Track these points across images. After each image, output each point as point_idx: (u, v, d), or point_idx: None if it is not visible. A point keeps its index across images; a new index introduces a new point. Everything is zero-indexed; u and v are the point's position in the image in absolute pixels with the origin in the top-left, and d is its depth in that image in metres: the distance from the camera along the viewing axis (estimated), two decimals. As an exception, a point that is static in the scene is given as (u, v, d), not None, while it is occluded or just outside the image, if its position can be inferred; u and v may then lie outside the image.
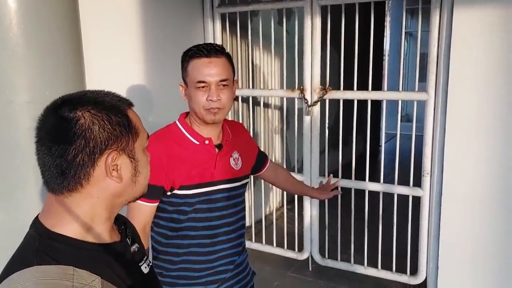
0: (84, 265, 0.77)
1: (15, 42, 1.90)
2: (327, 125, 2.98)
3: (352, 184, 2.99)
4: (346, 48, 2.82)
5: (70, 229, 0.80)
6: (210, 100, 1.41)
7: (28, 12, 1.94)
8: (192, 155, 1.47)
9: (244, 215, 1.64)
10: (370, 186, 2.94)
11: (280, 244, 3.38)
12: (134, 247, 0.93)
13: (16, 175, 1.91)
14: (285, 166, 3.37)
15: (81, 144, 0.76)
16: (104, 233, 0.84)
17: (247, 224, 3.70)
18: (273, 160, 3.81)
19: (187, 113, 1.58)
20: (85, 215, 0.81)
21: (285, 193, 3.39)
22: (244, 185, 1.62)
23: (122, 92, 2.65)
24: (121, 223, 0.94)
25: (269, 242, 3.42)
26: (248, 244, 3.49)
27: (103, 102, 0.80)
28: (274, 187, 4.04)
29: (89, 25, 2.34)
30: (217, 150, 1.50)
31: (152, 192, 1.37)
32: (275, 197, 4.12)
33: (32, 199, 1.92)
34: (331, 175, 1.99)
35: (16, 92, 1.92)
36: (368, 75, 2.78)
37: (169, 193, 1.45)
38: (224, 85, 1.43)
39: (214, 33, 3.23)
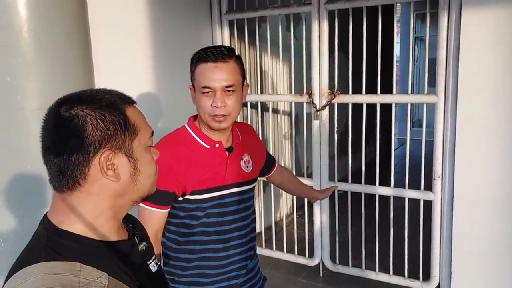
0: (91, 261, 0.77)
1: (26, 49, 1.93)
2: (336, 129, 2.97)
3: (362, 188, 2.96)
4: (354, 52, 2.82)
5: (76, 226, 0.81)
6: (215, 106, 1.39)
7: (39, 20, 1.97)
8: (202, 159, 1.45)
9: (255, 219, 1.62)
10: (380, 190, 2.91)
11: (290, 250, 3.36)
12: (142, 246, 0.93)
13: (27, 181, 1.93)
14: (294, 172, 3.36)
15: (75, 144, 0.77)
16: (110, 231, 0.85)
17: (257, 230, 3.70)
18: (284, 165, 3.83)
19: (195, 116, 1.56)
20: (89, 213, 0.82)
21: (295, 198, 3.38)
22: (253, 188, 1.61)
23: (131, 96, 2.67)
24: (130, 222, 0.94)
25: (279, 248, 3.40)
26: (259, 250, 3.47)
27: (100, 100, 0.80)
28: (284, 193, 4.04)
29: (98, 32, 2.37)
30: (227, 153, 1.49)
31: (163, 198, 1.38)
32: (285, 203, 4.10)
33: (43, 204, 1.94)
34: (337, 186, 2.14)
35: (27, 98, 1.95)
36: (379, 80, 2.77)
37: (180, 199, 1.44)
38: (230, 91, 1.40)
39: (222, 39, 3.25)
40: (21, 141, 1.93)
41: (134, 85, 2.67)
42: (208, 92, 1.41)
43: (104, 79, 2.43)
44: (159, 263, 0.97)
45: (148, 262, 0.93)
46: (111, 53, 2.50)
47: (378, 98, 2.78)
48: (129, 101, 0.86)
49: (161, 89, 2.85)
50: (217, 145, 1.47)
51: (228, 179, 1.47)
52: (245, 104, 3.42)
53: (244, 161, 1.54)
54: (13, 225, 1.94)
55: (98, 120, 0.78)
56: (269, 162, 1.78)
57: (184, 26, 3.02)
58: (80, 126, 0.77)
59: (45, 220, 0.83)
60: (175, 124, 2.94)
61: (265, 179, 1.87)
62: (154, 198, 1.08)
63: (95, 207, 0.82)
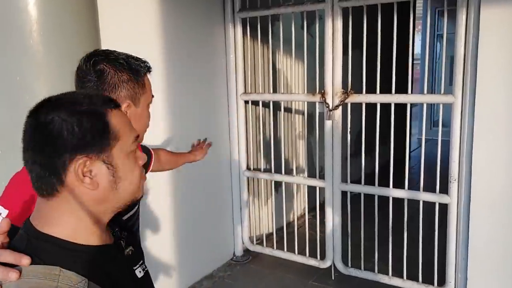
0: (71, 266, 0.76)
1: (35, 49, 1.94)
2: (349, 130, 2.91)
3: (376, 190, 2.90)
4: (369, 51, 2.75)
5: (57, 230, 0.79)
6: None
7: (48, 20, 1.97)
8: None
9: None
10: (394, 192, 2.84)
11: (302, 252, 3.31)
12: (128, 250, 0.91)
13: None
14: (307, 173, 3.31)
15: (51, 150, 0.75)
16: (93, 235, 0.83)
17: (269, 230, 3.68)
18: (296, 166, 3.78)
19: None
20: (69, 218, 0.80)
21: (307, 199, 3.33)
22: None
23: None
24: (116, 226, 0.92)
25: (290, 249, 3.36)
26: (270, 251, 3.45)
27: (80, 105, 0.77)
28: (296, 194, 3.99)
29: (108, 31, 2.36)
30: None
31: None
32: (297, 204, 4.06)
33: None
34: (200, 140, 1.99)
35: (36, 98, 1.95)
36: (398, 78, 2.69)
37: None
38: None
39: (235, 38, 3.22)
40: None
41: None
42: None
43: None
44: (146, 269, 0.95)
45: (134, 268, 0.92)
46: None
47: (393, 98, 2.71)
48: (113, 105, 0.82)
49: (173, 89, 2.83)
50: None
51: None
52: (256, 103, 3.38)
53: None
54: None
55: (75, 126, 0.75)
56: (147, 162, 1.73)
57: (196, 25, 3.00)
58: (56, 132, 0.74)
59: (27, 224, 0.81)
60: (189, 125, 2.95)
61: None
62: None
63: (75, 213, 0.80)
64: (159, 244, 2.82)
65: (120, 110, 0.84)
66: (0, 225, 0.79)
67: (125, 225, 1.01)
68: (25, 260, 0.73)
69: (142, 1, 2.62)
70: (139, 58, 1.27)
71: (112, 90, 1.18)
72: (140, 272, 0.92)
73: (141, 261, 0.95)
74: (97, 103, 0.80)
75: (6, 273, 0.72)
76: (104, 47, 2.32)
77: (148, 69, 1.27)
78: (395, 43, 2.67)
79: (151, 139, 2.74)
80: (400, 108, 2.85)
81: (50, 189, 0.78)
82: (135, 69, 1.22)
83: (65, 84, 2.03)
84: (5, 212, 1.10)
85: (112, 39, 2.40)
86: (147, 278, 0.95)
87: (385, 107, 2.78)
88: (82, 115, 0.76)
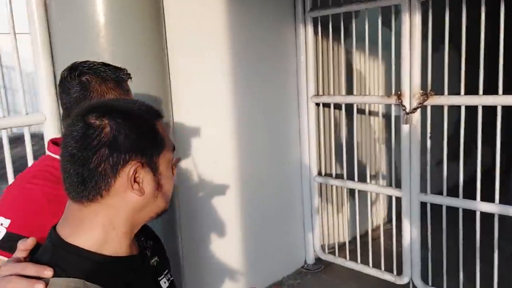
0: (96, 278, 0.75)
1: (101, 54, 1.98)
2: (428, 135, 2.64)
3: (460, 203, 2.60)
4: (453, 48, 2.47)
5: (85, 240, 0.77)
6: None
7: (114, 26, 2.01)
8: None
9: None
10: (481, 206, 2.52)
11: (377, 265, 3.09)
12: (154, 261, 0.90)
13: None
14: (383, 180, 3.08)
15: (104, 154, 0.74)
16: (121, 246, 0.81)
17: (342, 239, 3.49)
18: (371, 173, 3.52)
19: (55, 141, 1.30)
20: (103, 226, 0.78)
21: (384, 209, 3.10)
22: None
23: (209, 104, 2.67)
24: (142, 235, 0.90)
25: (364, 261, 3.15)
26: (342, 262, 3.27)
27: (131, 112, 0.79)
28: (372, 202, 3.75)
29: (175, 35, 2.37)
30: None
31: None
32: (373, 213, 3.81)
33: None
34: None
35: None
36: (481, 78, 2.39)
37: None
38: None
39: (306, 38, 3.09)
40: None
41: (213, 89, 2.65)
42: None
43: (182, 84, 2.44)
44: (171, 278, 0.94)
45: (159, 278, 0.90)
46: (189, 57, 2.49)
47: (480, 100, 2.40)
48: (158, 115, 0.84)
49: (241, 91, 2.78)
50: None
51: None
52: (328, 105, 3.22)
53: None
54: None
55: (131, 132, 0.76)
56: None
57: (266, 25, 2.92)
58: (112, 136, 0.75)
59: (52, 234, 0.80)
60: (257, 128, 2.89)
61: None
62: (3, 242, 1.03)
63: (111, 221, 0.78)
64: (225, 249, 2.80)
65: (162, 121, 0.84)
66: (26, 242, 0.79)
67: (152, 233, 0.99)
68: (47, 272, 0.73)
69: (208, 3, 2.60)
70: (117, 66, 1.30)
71: (102, 96, 1.20)
72: (165, 283, 0.91)
73: (167, 271, 0.94)
74: (147, 111, 0.81)
75: (31, 285, 0.71)
76: (170, 52, 2.34)
77: (129, 76, 1.30)
78: (484, 38, 2.36)
79: (218, 141, 2.74)
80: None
81: (94, 194, 0.76)
82: (118, 77, 1.25)
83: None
84: (7, 221, 1.09)
85: (178, 43, 2.41)
86: None
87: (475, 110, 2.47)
88: (136, 121, 0.78)
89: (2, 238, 1.07)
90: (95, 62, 1.26)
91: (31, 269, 0.74)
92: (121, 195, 0.77)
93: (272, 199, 3.11)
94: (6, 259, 1.03)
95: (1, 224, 1.08)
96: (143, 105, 0.82)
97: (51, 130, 2.05)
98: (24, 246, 0.78)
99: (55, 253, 0.76)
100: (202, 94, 2.57)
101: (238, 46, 2.74)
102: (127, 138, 0.75)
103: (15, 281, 0.73)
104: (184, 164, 2.51)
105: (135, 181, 0.77)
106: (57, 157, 1.16)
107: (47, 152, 1.26)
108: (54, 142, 1.27)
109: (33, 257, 0.79)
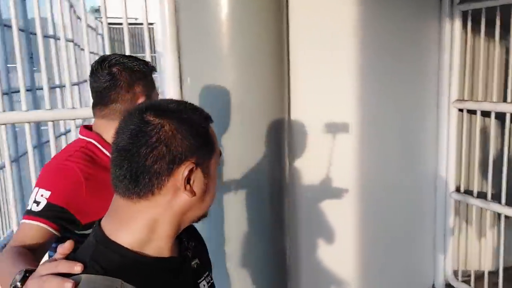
0: (134, 279, 0.75)
1: (221, 49, 2.03)
2: None
3: None
4: None
5: (128, 238, 0.78)
6: None
7: (236, 22, 2.04)
8: None
9: None
10: None
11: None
12: (194, 263, 0.89)
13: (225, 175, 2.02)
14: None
15: (162, 151, 0.75)
16: (163, 247, 0.81)
17: (480, 268, 2.99)
18: None
19: (89, 127, 1.38)
20: (148, 226, 0.79)
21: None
22: None
23: (331, 104, 2.52)
24: (183, 236, 0.89)
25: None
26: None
27: (187, 114, 0.80)
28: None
29: (298, 32, 2.30)
30: None
31: (57, 214, 1.16)
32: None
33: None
34: None
35: (215, 98, 2.05)
36: None
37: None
38: None
39: (453, 34, 2.72)
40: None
41: (337, 87, 2.50)
42: None
43: (302, 81, 2.36)
44: (211, 281, 0.93)
45: (199, 281, 0.90)
46: (312, 53, 2.39)
47: None
48: (210, 119, 0.84)
49: (370, 92, 2.57)
50: None
51: None
52: (473, 112, 2.79)
53: None
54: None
55: (189, 133, 0.77)
56: None
57: (403, 19, 2.64)
58: (171, 135, 0.76)
59: (97, 229, 0.81)
60: (388, 133, 2.65)
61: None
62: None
63: (156, 220, 0.79)
64: (337, 258, 2.64)
65: (211, 126, 0.85)
66: (64, 245, 0.81)
67: (194, 233, 0.98)
68: (77, 268, 0.75)
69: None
70: (143, 59, 1.40)
71: (129, 88, 1.29)
72: (204, 285, 0.90)
73: (207, 273, 0.93)
74: (200, 114, 0.82)
75: (62, 283, 0.74)
76: (293, 50, 2.28)
77: (154, 69, 1.39)
78: None
79: (337, 144, 2.58)
80: None
81: (145, 191, 0.76)
82: (145, 69, 1.34)
83: (246, 84, 2.08)
84: (47, 193, 1.16)
85: (301, 37, 2.32)
86: None
87: None
88: (192, 124, 0.79)
89: (43, 207, 1.14)
90: (122, 54, 1.37)
91: (64, 266, 0.77)
92: (171, 195, 0.77)
93: (398, 212, 2.83)
94: (46, 226, 1.15)
95: (42, 195, 1.16)
96: (196, 108, 0.83)
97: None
98: (63, 250, 0.81)
99: (97, 249, 0.78)
100: (323, 93, 2.45)
101: (369, 41, 2.52)
102: (184, 138, 0.76)
103: (49, 280, 0.76)
104: (298, 164, 2.43)
105: (188, 182, 0.77)
106: (90, 139, 1.30)
107: (80, 136, 1.35)
108: (85, 126, 1.38)
109: (75, 252, 0.81)
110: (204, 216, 0.85)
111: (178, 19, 2.11)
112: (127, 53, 2.13)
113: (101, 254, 0.77)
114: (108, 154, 1.28)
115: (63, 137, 5.86)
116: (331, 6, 2.40)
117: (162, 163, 0.75)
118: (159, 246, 0.80)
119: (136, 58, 1.36)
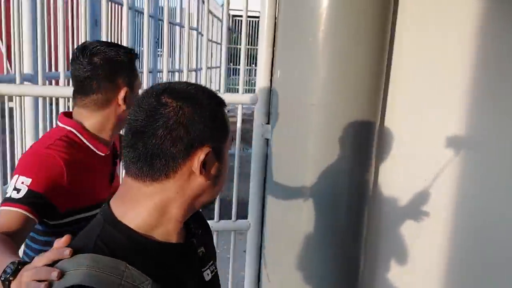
0: (139, 263, 0.74)
1: (314, 46, 1.94)
2: None
3: None
4: None
5: (137, 220, 0.77)
6: None
7: (336, 22, 1.94)
8: (98, 169, 1.35)
9: None
10: None
11: None
12: (200, 251, 0.88)
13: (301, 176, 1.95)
14: None
15: (180, 134, 0.74)
16: (170, 232, 0.80)
17: None
18: None
19: (69, 114, 1.36)
20: (158, 209, 0.78)
21: None
22: None
23: (434, 112, 2.25)
24: (190, 222, 0.87)
25: None
26: None
27: (204, 97, 0.79)
28: None
29: (405, 33, 2.11)
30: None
31: (38, 202, 1.16)
32: None
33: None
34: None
35: (310, 94, 1.97)
36: None
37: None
38: None
39: None
40: (298, 135, 1.96)
41: (444, 93, 2.21)
42: None
43: (403, 85, 2.17)
44: (215, 270, 0.92)
45: (203, 269, 0.88)
46: (418, 55, 2.16)
47: None
48: (224, 103, 0.83)
49: (489, 104, 2.22)
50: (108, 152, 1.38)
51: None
52: None
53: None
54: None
55: (205, 116, 0.76)
56: None
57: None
58: (191, 117, 0.75)
59: (106, 209, 0.81)
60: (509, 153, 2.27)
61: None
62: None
63: (168, 204, 0.78)
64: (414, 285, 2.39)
65: (225, 110, 0.84)
66: (61, 240, 0.79)
67: (202, 220, 0.97)
68: (66, 252, 0.75)
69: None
70: (124, 46, 1.39)
71: (110, 79, 1.28)
72: (208, 274, 0.88)
73: (212, 262, 0.91)
74: (215, 98, 0.81)
75: (49, 273, 0.73)
76: (395, 47, 2.10)
77: (136, 56, 1.36)
78: None
79: (441, 163, 2.29)
80: None
81: (159, 174, 0.75)
82: (127, 58, 1.31)
83: (333, 82, 1.96)
84: (28, 180, 1.15)
85: (408, 39, 2.12)
86: (214, 281, 0.91)
87: None
88: (208, 107, 0.78)
89: (24, 194, 1.13)
90: (105, 42, 1.37)
91: (53, 255, 0.77)
92: (185, 179, 0.76)
93: (502, 249, 2.45)
94: (26, 213, 1.14)
95: (22, 183, 1.15)
96: (211, 92, 0.82)
97: (261, 111, 2.15)
98: (58, 244, 0.79)
99: (104, 228, 0.77)
100: (426, 99, 2.20)
101: (489, 42, 2.17)
102: (202, 122, 0.75)
103: (41, 271, 0.76)
104: (386, 176, 2.24)
105: (203, 166, 0.76)
106: (70, 128, 1.30)
107: (59, 124, 1.33)
108: (65, 114, 1.35)
109: (80, 231, 0.81)
110: (214, 201, 0.84)
111: (279, 11, 2.08)
112: (243, 45, 2.20)
113: (108, 235, 0.76)
114: (87, 143, 1.30)
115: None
116: (443, 7, 2.15)
117: (179, 146, 0.74)
118: (167, 230, 0.79)
119: (119, 46, 1.34)
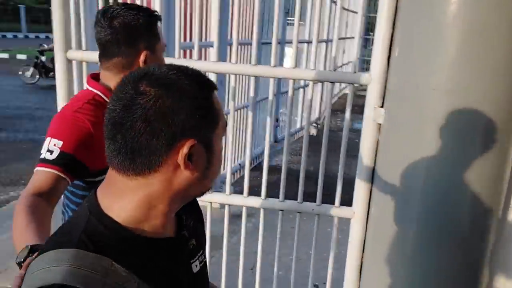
0: (126, 260, 0.70)
1: (441, 19, 1.65)
2: None
3: None
4: None
5: (124, 214, 0.73)
6: None
7: (468, 19, 1.60)
8: None
9: None
10: None
11: None
12: (190, 243, 0.84)
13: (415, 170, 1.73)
14: None
15: (160, 126, 0.67)
16: (159, 226, 0.75)
17: None
18: None
19: (97, 77, 1.39)
20: (145, 203, 0.73)
21: None
22: None
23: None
24: (182, 212, 0.83)
25: None
26: None
27: (188, 82, 0.71)
28: None
29: None
30: None
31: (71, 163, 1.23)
32: None
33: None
34: None
35: (426, 76, 1.70)
36: None
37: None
38: None
39: None
40: (416, 120, 1.73)
41: None
42: None
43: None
44: (204, 260, 0.88)
45: (192, 261, 0.84)
46: None
47: None
48: (214, 87, 0.74)
49: None
50: None
51: None
52: None
53: None
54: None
55: (188, 105, 0.69)
56: None
57: None
58: (169, 109, 0.68)
59: (92, 199, 0.76)
60: None
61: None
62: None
63: (155, 198, 0.73)
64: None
65: (216, 94, 0.75)
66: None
67: (197, 210, 0.93)
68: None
69: None
70: (147, 8, 1.35)
71: (130, 43, 1.29)
72: (196, 266, 0.85)
73: (201, 252, 0.87)
74: (203, 83, 0.73)
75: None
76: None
77: (159, 18, 1.34)
78: None
79: None
80: None
81: (141, 169, 0.70)
82: (148, 20, 1.30)
83: (465, 63, 1.65)
84: (59, 142, 1.21)
85: None
86: (202, 272, 0.87)
87: None
88: (192, 94, 0.70)
89: (57, 156, 1.20)
90: (126, 4, 1.34)
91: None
92: (171, 172, 0.71)
93: None
94: (59, 173, 1.21)
95: (55, 145, 1.21)
96: (199, 75, 0.73)
97: (374, 93, 1.93)
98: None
99: (90, 222, 0.72)
100: None
101: None
102: (184, 112, 0.68)
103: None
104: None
105: (188, 159, 0.70)
106: (97, 91, 1.34)
107: (87, 86, 1.37)
108: (93, 77, 1.38)
109: (68, 221, 0.79)
110: (207, 191, 0.78)
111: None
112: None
113: (94, 229, 0.72)
114: None
115: (301, 90, 6.22)
116: None
117: (159, 140, 0.68)
118: (155, 224, 0.75)
119: (139, 9, 1.32)
